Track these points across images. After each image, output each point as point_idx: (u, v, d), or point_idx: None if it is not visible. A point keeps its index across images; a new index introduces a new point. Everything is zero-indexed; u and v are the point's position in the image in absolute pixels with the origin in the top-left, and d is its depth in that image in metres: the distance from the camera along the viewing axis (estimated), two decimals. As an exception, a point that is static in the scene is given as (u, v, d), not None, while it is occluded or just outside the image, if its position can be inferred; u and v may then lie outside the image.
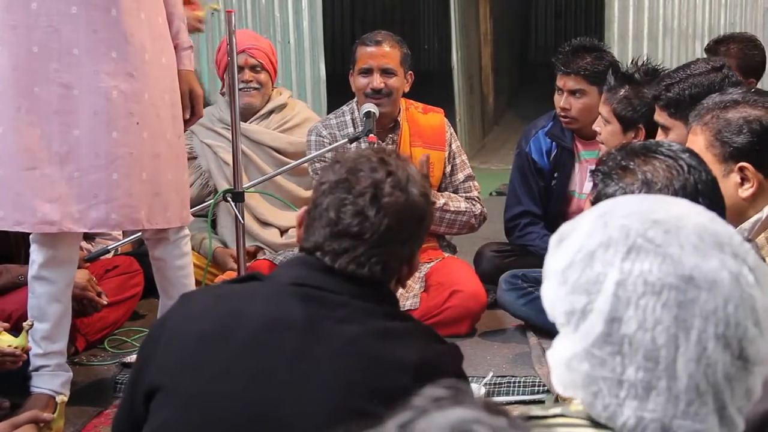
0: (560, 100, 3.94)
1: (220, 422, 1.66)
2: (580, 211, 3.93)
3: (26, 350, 2.94)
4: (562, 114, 3.94)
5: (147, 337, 1.84)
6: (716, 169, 2.14)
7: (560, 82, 3.93)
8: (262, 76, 4.11)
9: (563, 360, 1.17)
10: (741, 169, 2.16)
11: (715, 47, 4.34)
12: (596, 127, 3.53)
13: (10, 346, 2.89)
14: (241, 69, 4.00)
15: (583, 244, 1.16)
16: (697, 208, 1.20)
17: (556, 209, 4.05)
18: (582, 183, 4.01)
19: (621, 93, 3.43)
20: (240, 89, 3.96)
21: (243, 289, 1.82)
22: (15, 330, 3.18)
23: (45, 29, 2.80)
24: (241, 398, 1.65)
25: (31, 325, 2.94)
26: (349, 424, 1.59)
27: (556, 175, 4.07)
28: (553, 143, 4.04)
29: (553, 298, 1.19)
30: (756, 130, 2.17)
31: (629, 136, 3.38)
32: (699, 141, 2.20)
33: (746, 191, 2.15)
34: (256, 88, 4.09)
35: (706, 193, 1.78)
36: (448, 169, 3.90)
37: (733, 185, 2.17)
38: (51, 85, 2.82)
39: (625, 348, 1.12)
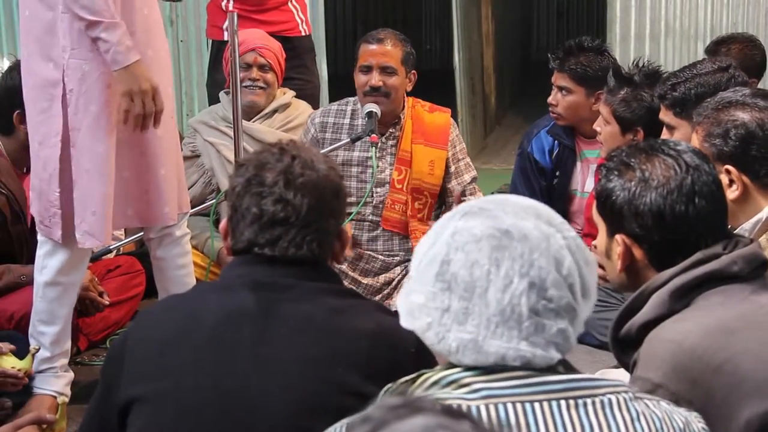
0: (551, 95, 3.97)
1: (194, 417, 1.71)
2: (581, 210, 3.97)
3: (29, 374, 2.94)
4: (550, 109, 3.97)
5: (108, 360, 1.90)
6: None
7: (553, 77, 3.96)
8: (269, 76, 4.11)
9: (407, 297, 1.43)
10: (727, 172, 2.17)
11: (715, 48, 4.34)
12: (597, 126, 3.54)
13: (13, 368, 2.90)
14: (249, 67, 4.01)
15: (439, 222, 1.45)
16: (537, 202, 1.47)
17: (557, 209, 4.04)
18: (584, 182, 4.01)
19: (620, 94, 3.43)
20: (246, 86, 3.97)
21: (194, 293, 1.89)
22: (18, 328, 3.19)
23: (95, 51, 2.81)
24: (209, 391, 1.70)
25: (38, 350, 2.95)
26: (317, 397, 1.65)
27: (557, 173, 4.07)
28: (555, 142, 4.04)
29: (413, 260, 1.45)
30: (741, 134, 2.18)
31: (627, 138, 3.39)
32: (694, 141, 2.21)
33: (732, 193, 2.16)
34: (262, 87, 4.09)
35: (704, 194, 1.79)
36: (452, 169, 3.88)
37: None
38: (103, 101, 2.86)
39: (452, 284, 1.38)
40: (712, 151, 2.18)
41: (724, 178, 2.17)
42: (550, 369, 1.38)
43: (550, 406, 1.34)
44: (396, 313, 1.90)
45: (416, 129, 3.83)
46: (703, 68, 2.93)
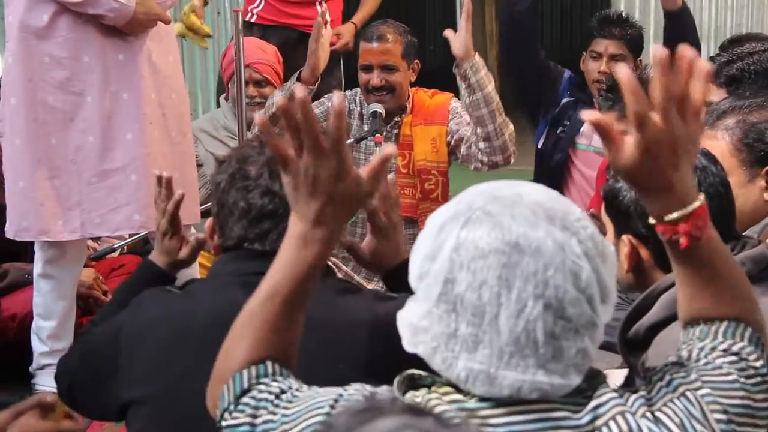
0: (597, 66, 3.93)
1: (193, 420, 1.68)
2: (587, 163, 3.92)
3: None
4: (602, 79, 3.88)
5: (102, 351, 1.84)
6: (740, 174, 2.13)
7: (600, 46, 3.93)
8: (267, 90, 4.10)
9: (409, 319, 1.29)
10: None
11: (730, 47, 4.34)
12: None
13: None
14: (245, 84, 4.00)
15: (437, 219, 1.29)
16: (545, 191, 1.30)
17: (559, 161, 4.04)
18: (590, 136, 3.96)
19: None
20: (246, 103, 3.97)
21: (188, 291, 1.86)
22: (21, 328, 3.19)
23: (56, 40, 2.82)
24: (206, 394, 1.67)
25: None
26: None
27: (566, 123, 4.04)
28: (570, 93, 4.05)
29: (411, 267, 1.30)
30: None
31: None
32: (720, 146, 2.16)
33: None
34: (260, 103, 4.09)
35: (711, 195, 1.78)
36: (455, 126, 3.73)
37: (758, 190, 2.15)
38: (65, 94, 2.85)
39: (458, 306, 1.23)
40: (751, 155, 2.14)
41: (761, 182, 2.15)
42: (576, 389, 1.26)
43: None
44: (394, 298, 1.88)
45: (417, 113, 3.80)
46: (753, 47, 2.90)
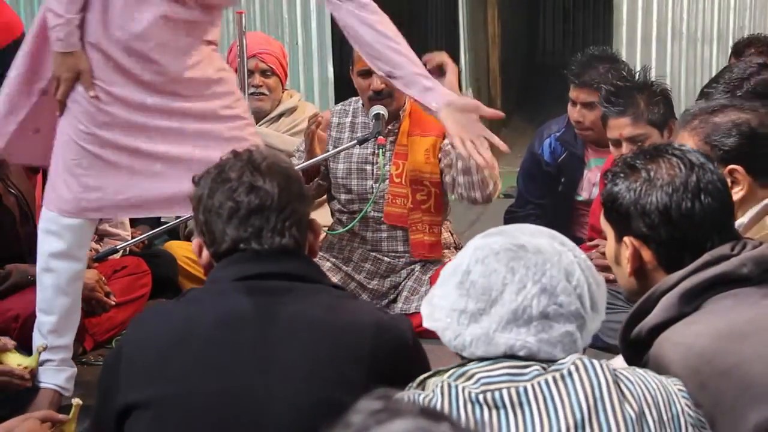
0: (574, 112, 3.93)
1: (199, 422, 1.70)
2: (587, 216, 3.94)
3: (33, 373, 2.94)
4: (577, 127, 3.94)
5: (104, 370, 1.89)
6: None
7: (573, 93, 3.93)
8: (272, 81, 4.12)
9: (430, 300, 1.63)
10: (731, 172, 2.17)
11: (742, 49, 4.35)
12: (624, 150, 3.39)
13: (19, 365, 2.89)
14: (251, 73, 4.01)
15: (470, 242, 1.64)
16: (546, 228, 1.64)
17: (563, 215, 4.04)
18: (590, 190, 3.99)
19: (642, 104, 3.41)
20: (250, 94, 3.97)
21: (188, 298, 1.87)
22: (23, 329, 3.18)
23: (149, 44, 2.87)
24: (212, 395, 1.70)
25: (45, 347, 2.95)
26: (322, 395, 1.65)
27: (562, 180, 4.06)
28: (563, 148, 4.04)
29: (441, 275, 1.64)
30: (745, 132, 2.20)
31: (666, 137, 3.37)
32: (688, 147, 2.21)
33: (736, 194, 2.16)
34: (265, 93, 4.10)
35: (710, 191, 1.79)
36: (444, 161, 3.71)
37: None
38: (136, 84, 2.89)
39: (471, 290, 1.56)
40: (714, 154, 2.19)
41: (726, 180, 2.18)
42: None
43: (539, 384, 1.49)
44: (389, 313, 1.94)
45: (414, 123, 3.78)
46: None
